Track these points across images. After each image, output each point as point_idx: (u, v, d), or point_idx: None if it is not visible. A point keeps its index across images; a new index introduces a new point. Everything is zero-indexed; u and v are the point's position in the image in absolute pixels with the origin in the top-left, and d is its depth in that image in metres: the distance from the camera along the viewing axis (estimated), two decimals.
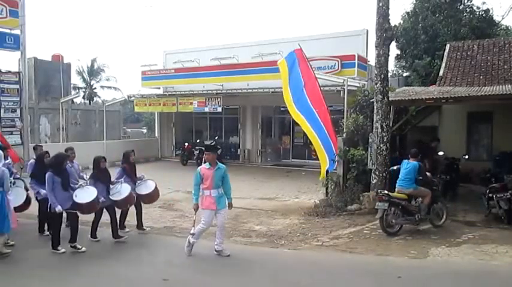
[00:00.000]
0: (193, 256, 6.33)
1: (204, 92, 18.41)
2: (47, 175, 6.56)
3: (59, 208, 6.44)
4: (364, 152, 9.50)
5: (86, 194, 6.80)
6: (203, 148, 18.40)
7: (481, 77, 13.82)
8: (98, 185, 7.07)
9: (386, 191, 7.69)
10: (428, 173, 8.18)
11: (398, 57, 24.42)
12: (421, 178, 7.85)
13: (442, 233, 7.50)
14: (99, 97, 37.83)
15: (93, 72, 37.01)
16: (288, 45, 15.68)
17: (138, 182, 7.87)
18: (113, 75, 40.94)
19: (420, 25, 22.07)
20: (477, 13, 22.20)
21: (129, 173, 7.78)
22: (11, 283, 5.50)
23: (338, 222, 8.44)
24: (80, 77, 36.50)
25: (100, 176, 7.24)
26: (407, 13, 23.12)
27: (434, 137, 11.97)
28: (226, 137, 21.20)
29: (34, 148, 8.88)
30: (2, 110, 14.71)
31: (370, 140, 9.29)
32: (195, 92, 18.62)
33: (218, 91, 18.01)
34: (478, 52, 15.15)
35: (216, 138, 20.62)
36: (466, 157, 11.74)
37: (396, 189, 7.85)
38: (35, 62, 24.09)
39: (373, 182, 9.10)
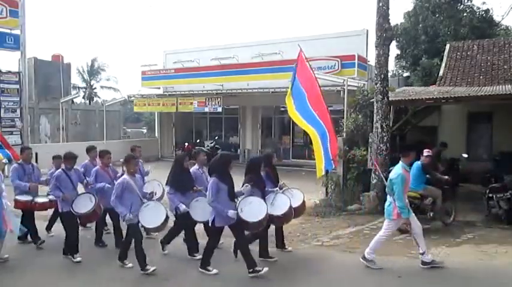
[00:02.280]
0: (193, 256, 6.30)
1: (204, 92, 18.41)
2: (211, 181, 5.44)
3: (231, 213, 5.33)
4: (364, 152, 9.50)
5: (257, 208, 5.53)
6: (203, 148, 18.49)
7: (481, 77, 13.82)
8: (257, 194, 5.83)
9: None
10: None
11: (398, 57, 24.44)
12: (428, 176, 7.89)
13: (442, 233, 7.50)
14: (99, 97, 37.90)
15: (93, 72, 37.04)
16: (288, 45, 15.76)
17: (278, 190, 6.26)
18: (113, 75, 41.01)
19: (420, 25, 22.08)
20: (477, 13, 22.20)
21: (272, 179, 6.38)
22: None
23: (338, 222, 8.43)
24: (80, 77, 36.57)
25: (259, 182, 5.90)
26: (407, 13, 23.13)
27: (442, 142, 11.93)
28: (226, 137, 21.21)
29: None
30: (2, 110, 14.70)
31: (370, 140, 9.30)
32: (195, 92, 18.63)
33: (218, 91, 18.01)
34: (478, 52, 15.16)
35: (216, 138, 20.64)
36: (466, 155, 11.75)
37: None
38: (35, 62, 24.13)
39: (373, 182, 9.10)
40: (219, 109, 17.88)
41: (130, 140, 23.85)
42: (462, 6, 22.56)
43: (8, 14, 14.38)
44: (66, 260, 6.24)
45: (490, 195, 8.20)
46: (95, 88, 38.05)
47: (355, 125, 10.17)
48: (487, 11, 22.22)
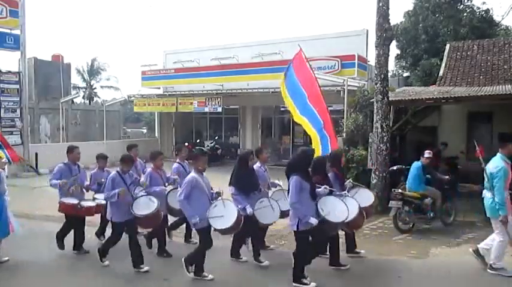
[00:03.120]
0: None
1: (204, 92, 18.41)
2: (294, 180, 4.95)
3: (314, 221, 4.91)
4: (364, 152, 9.50)
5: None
6: (203, 148, 18.48)
7: (481, 77, 13.81)
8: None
9: (400, 190, 7.76)
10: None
11: (398, 57, 24.43)
12: (428, 176, 7.90)
13: (442, 233, 7.51)
14: (99, 97, 37.90)
15: (93, 72, 37.03)
16: (288, 45, 15.74)
17: (345, 193, 5.66)
18: (113, 75, 41.03)
19: (420, 25, 22.08)
20: (477, 13, 22.21)
21: (340, 181, 5.87)
22: None
23: None
24: (80, 77, 36.57)
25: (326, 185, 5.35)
26: (407, 13, 23.13)
27: (442, 142, 11.97)
28: (226, 137, 21.20)
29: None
30: (2, 110, 14.72)
31: (370, 140, 9.30)
32: (195, 92, 18.63)
33: (218, 91, 18.01)
34: (478, 52, 15.15)
35: (216, 138, 20.63)
36: (463, 153, 11.80)
37: (407, 190, 7.97)
38: (35, 62, 24.12)
39: (373, 182, 9.10)
40: (219, 109, 17.88)
41: (131, 140, 23.86)
42: (462, 6, 22.57)
43: (8, 14, 14.41)
44: (62, 262, 6.25)
45: None
46: (95, 88, 38.06)
47: (355, 125, 10.17)
48: (487, 11, 22.23)
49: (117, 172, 5.88)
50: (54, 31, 74.25)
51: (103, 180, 6.40)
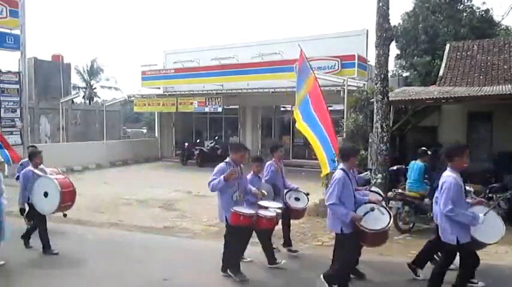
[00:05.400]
0: (193, 256, 6.32)
1: (204, 92, 18.42)
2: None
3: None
4: (364, 152, 9.50)
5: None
6: (203, 148, 18.52)
7: (481, 77, 13.81)
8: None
9: (400, 190, 7.78)
10: None
11: (398, 57, 24.45)
12: (427, 176, 7.93)
13: None
14: (99, 97, 37.92)
15: (93, 72, 37.03)
16: (288, 45, 15.76)
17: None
18: (113, 75, 41.17)
19: (420, 25, 22.10)
20: (477, 13, 22.24)
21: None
22: None
23: None
24: (80, 77, 36.58)
25: None
26: (407, 13, 23.15)
27: (437, 143, 11.94)
28: (226, 137, 21.20)
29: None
30: (2, 110, 14.70)
31: (370, 140, 9.30)
32: (195, 92, 18.64)
33: (218, 91, 18.02)
34: (478, 52, 15.16)
35: (216, 138, 20.63)
36: None
37: (407, 190, 8.01)
38: (35, 62, 24.12)
39: (373, 182, 9.09)
40: (219, 109, 17.88)
41: (131, 140, 23.91)
42: (462, 6, 22.60)
43: (8, 14, 14.39)
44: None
45: (490, 195, 8.22)
46: (95, 88, 38.08)
47: (355, 125, 10.17)
48: (487, 11, 22.26)
49: (342, 169, 4.80)
50: (54, 31, 74.32)
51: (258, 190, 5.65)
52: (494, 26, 22.39)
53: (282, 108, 19.32)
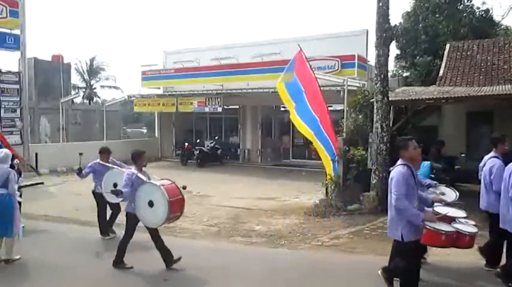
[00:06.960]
0: (193, 256, 6.31)
1: (204, 92, 18.41)
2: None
3: None
4: (364, 152, 9.51)
5: None
6: (203, 148, 18.52)
7: (481, 77, 13.81)
8: None
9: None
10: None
11: (398, 57, 24.41)
12: (432, 175, 7.94)
13: None
14: (99, 97, 37.90)
15: (93, 71, 37.02)
16: (288, 45, 15.75)
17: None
18: (113, 74, 41.06)
19: (420, 25, 22.07)
20: (477, 13, 22.20)
21: None
22: None
23: (338, 222, 8.44)
24: (79, 77, 36.56)
25: None
26: (407, 13, 23.12)
27: (440, 140, 11.96)
28: (226, 137, 21.20)
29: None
30: (2, 110, 14.71)
31: (370, 140, 9.30)
32: (195, 92, 18.63)
33: (218, 91, 18.01)
34: (478, 52, 15.15)
35: (216, 138, 20.64)
36: (463, 154, 11.80)
37: None
38: (35, 62, 24.10)
39: (373, 182, 9.11)
40: (219, 109, 17.87)
41: (131, 140, 23.89)
42: (462, 6, 22.55)
43: (8, 14, 14.41)
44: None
45: None
46: (95, 88, 38.06)
47: (355, 125, 10.18)
48: (487, 11, 22.22)
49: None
50: (54, 31, 74.31)
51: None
52: (494, 26, 22.35)
53: (282, 109, 19.28)
